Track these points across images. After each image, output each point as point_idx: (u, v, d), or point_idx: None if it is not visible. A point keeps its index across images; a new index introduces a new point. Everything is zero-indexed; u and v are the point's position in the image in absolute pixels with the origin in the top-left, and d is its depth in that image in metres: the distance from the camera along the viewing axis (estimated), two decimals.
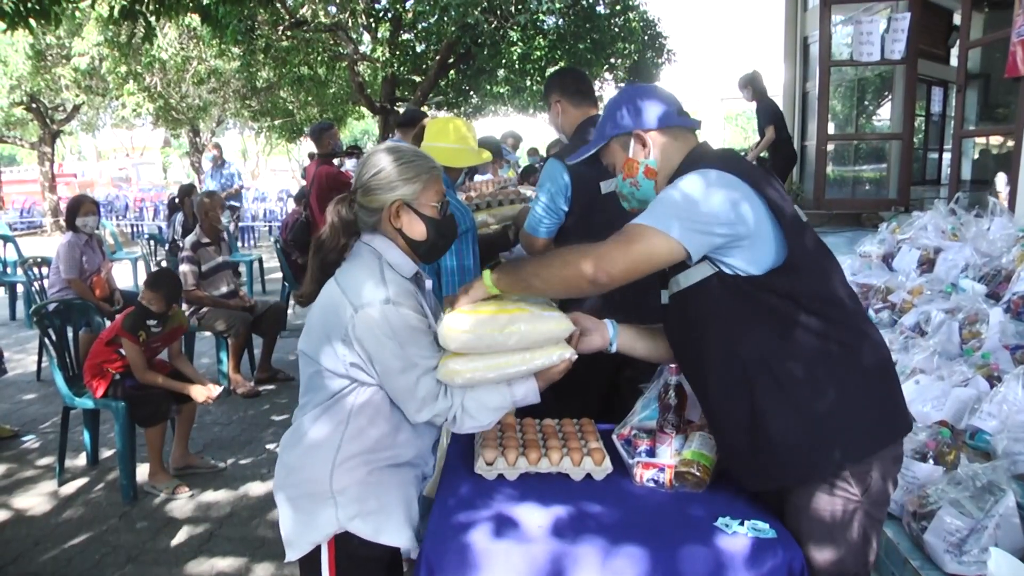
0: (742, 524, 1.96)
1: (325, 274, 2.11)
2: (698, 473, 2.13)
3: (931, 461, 2.93)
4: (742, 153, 11.22)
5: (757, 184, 1.90)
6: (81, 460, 4.96)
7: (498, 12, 12.57)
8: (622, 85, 15.64)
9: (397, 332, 1.95)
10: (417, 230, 2.09)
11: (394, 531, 2.07)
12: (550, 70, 13.03)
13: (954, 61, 9.26)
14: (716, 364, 1.97)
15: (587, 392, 3.38)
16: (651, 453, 2.24)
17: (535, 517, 2.02)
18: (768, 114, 8.86)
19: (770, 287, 1.88)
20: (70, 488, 4.60)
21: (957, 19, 9.03)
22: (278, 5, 13.06)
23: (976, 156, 10.04)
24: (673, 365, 2.21)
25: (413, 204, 2.07)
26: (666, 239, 1.85)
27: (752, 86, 8.91)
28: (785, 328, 1.89)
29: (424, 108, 15.95)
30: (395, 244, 2.10)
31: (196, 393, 4.45)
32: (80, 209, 6.61)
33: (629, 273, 1.88)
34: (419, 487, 2.22)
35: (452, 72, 14.94)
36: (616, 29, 13.98)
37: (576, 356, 2.13)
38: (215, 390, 4.53)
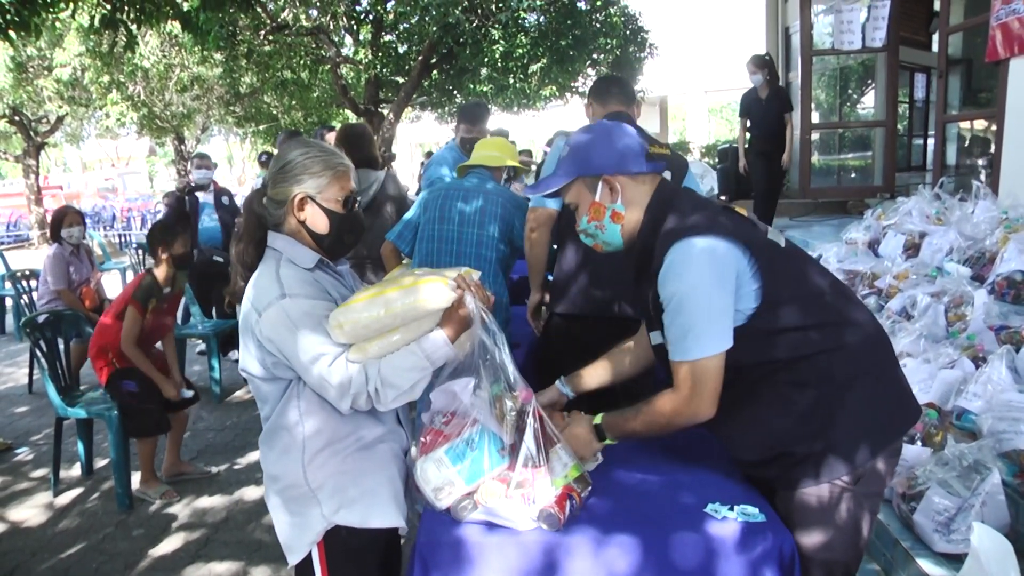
0: (732, 509, 1.98)
1: (246, 270, 2.13)
2: (579, 489, 2.05)
3: (919, 443, 2.97)
4: (731, 145, 11.30)
5: (741, 238, 1.88)
6: (75, 471, 4.96)
7: (479, 11, 12.60)
8: None
9: (297, 323, 1.95)
10: (320, 224, 2.09)
11: (381, 513, 2.08)
12: (532, 67, 13.04)
13: (935, 47, 9.29)
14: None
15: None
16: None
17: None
18: (787, 99, 8.26)
19: (755, 328, 1.89)
20: (65, 498, 4.60)
21: (938, 5, 9.06)
22: (259, 10, 13.04)
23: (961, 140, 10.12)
24: (528, 391, 2.08)
25: (316, 198, 2.07)
26: (720, 357, 1.87)
27: (769, 68, 8.18)
28: (777, 352, 1.91)
29: (408, 109, 15.95)
30: (298, 239, 2.10)
31: (166, 388, 4.49)
32: (64, 220, 6.61)
33: (715, 404, 1.91)
34: (401, 465, 2.20)
35: (435, 72, 14.94)
36: (598, 24, 14.00)
37: (464, 295, 2.01)
38: (184, 392, 4.60)
